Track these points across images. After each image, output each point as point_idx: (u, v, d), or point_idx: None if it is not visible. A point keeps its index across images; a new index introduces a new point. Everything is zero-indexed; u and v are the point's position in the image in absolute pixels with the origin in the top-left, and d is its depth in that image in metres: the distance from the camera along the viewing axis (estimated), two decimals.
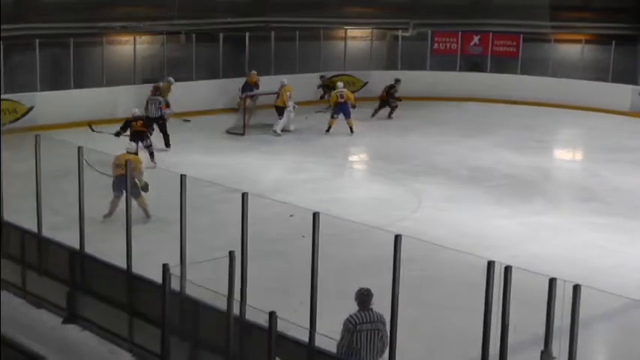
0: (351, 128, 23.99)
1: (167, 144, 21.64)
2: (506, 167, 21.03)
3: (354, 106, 24.41)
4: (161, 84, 23.97)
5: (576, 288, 7.81)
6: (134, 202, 13.96)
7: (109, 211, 15.39)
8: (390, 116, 26.95)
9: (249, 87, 25.61)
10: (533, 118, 27.24)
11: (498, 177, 20.18)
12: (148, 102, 22.14)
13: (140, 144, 19.27)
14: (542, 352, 8.31)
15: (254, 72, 26.28)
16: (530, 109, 28.63)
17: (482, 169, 20.89)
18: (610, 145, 23.61)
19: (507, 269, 8.20)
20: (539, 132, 25.54)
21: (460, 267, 11.97)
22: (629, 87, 28.94)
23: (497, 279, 8.18)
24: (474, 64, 31.84)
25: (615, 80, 29.24)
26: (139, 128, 19.70)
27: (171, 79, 25.09)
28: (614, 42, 29.53)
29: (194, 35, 28.04)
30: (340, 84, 25.50)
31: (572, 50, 31.37)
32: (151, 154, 19.64)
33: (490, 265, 8.20)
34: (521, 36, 31.19)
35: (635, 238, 15.70)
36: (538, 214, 17.27)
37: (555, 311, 8.08)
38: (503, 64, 31.26)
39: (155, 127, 21.22)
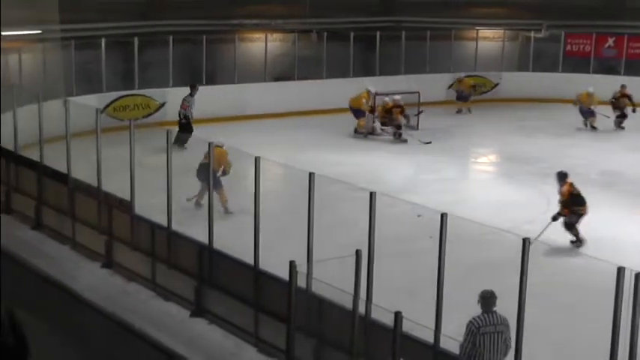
0: None
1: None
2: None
3: None
4: None
5: None
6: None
7: (195, 197, 15.85)
8: (620, 125, 25.88)
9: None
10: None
11: (630, 181, 19.73)
12: None
13: None
14: None
15: None
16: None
17: (613, 172, 20.44)
18: None
19: (638, 276, 8.03)
20: None
21: (591, 272, 11.76)
22: None
23: (628, 285, 8.02)
24: (608, 67, 31.10)
25: None
26: None
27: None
28: None
29: (325, 34, 28.22)
30: None
31: None
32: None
33: (620, 271, 8.05)
34: None
35: None
36: None
37: None
38: (639, 67, 30.44)
39: None
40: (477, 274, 12.30)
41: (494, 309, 8.59)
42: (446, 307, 9.23)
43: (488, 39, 31.73)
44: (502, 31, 31.53)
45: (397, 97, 23.69)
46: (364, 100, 24.02)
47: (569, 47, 31.39)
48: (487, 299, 8.60)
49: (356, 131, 24.22)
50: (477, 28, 31.29)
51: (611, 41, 31.16)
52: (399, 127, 23.33)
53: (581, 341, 10.84)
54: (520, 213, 16.65)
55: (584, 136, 24.72)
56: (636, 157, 22.11)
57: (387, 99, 23.66)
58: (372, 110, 23.94)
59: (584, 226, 15.37)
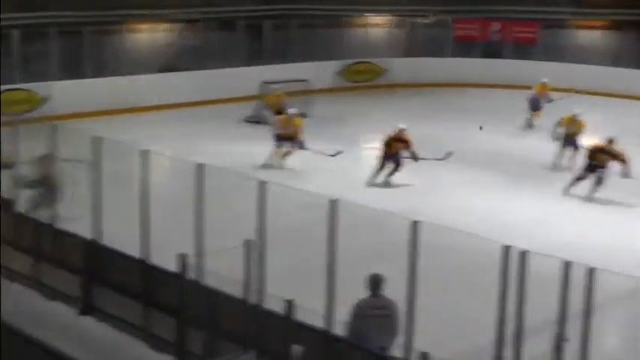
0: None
1: None
2: (528, 153, 20.98)
3: None
4: None
5: (591, 271, 7.80)
6: None
7: None
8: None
9: None
10: (557, 105, 27.08)
11: (515, 162, 20.17)
12: None
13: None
14: (556, 335, 8.30)
15: None
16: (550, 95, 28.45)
17: (502, 154, 20.82)
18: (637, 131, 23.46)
19: (523, 254, 8.18)
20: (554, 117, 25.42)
21: (480, 252, 11.90)
22: None
23: (517, 264, 8.18)
24: (493, 51, 31.72)
25: (634, 66, 29.20)
26: None
27: None
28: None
29: (212, 23, 28.01)
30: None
31: (591, 36, 31.22)
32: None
33: (506, 249, 8.17)
34: (541, 23, 31.12)
35: None
36: (556, 198, 17.24)
37: (571, 295, 8.06)
38: (523, 50, 31.15)
39: None
40: (370, 259, 12.37)
41: (382, 292, 8.60)
42: (341, 294, 9.22)
43: (378, 26, 31.98)
44: (390, 17, 31.83)
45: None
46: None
47: (457, 32, 31.88)
48: (373, 282, 8.61)
49: (247, 119, 24.13)
50: (366, 15, 31.52)
51: (496, 26, 31.74)
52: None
53: (471, 320, 10.99)
54: (413, 198, 16.86)
55: (474, 119, 25.06)
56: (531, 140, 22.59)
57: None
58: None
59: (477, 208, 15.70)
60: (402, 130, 18.15)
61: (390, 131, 18.16)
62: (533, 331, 8.80)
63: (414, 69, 30.29)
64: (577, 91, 27.23)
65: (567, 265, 8.03)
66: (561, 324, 8.31)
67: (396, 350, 8.53)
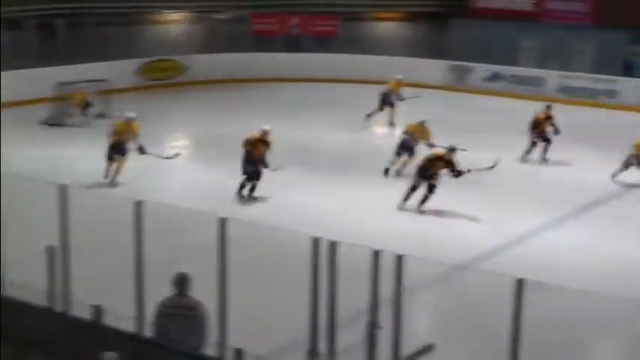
0: None
1: None
2: (333, 145, 21.26)
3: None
4: None
5: (400, 258, 7.92)
6: None
7: None
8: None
9: None
10: (356, 97, 27.60)
11: (325, 156, 20.40)
12: None
13: None
14: (368, 323, 8.41)
15: None
16: (351, 87, 29.00)
17: (310, 149, 21.00)
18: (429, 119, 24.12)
19: (333, 244, 8.23)
20: (361, 110, 25.90)
21: (291, 246, 11.92)
22: (442, 62, 30.01)
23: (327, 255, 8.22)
24: (293, 45, 32.00)
25: (429, 56, 30.19)
26: None
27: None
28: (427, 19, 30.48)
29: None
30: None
31: (388, 28, 32.04)
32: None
33: (316, 241, 8.20)
34: (340, 15, 31.67)
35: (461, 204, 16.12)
36: (356, 187, 17.50)
37: (380, 282, 8.18)
38: (323, 43, 31.59)
39: None
40: (182, 259, 12.17)
41: (188, 292, 8.42)
42: (151, 296, 9.00)
43: (176, 22, 31.64)
44: (188, 14, 31.56)
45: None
46: None
47: (255, 27, 31.95)
48: (179, 281, 8.42)
49: (46, 122, 23.37)
50: (164, 11, 31.13)
51: (295, 20, 32.02)
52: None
53: (285, 314, 10.99)
54: (221, 194, 16.72)
55: (282, 113, 25.18)
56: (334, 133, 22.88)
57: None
58: None
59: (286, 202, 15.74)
60: (266, 132, 16.83)
61: (254, 131, 16.95)
62: (347, 321, 8.89)
63: (214, 65, 30.15)
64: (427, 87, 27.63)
65: (376, 254, 8.13)
66: (373, 312, 8.42)
67: (210, 349, 8.41)
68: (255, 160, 16.47)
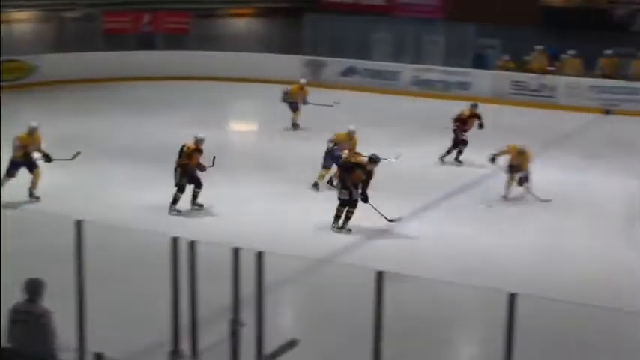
0: None
1: None
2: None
3: None
4: None
5: (260, 255, 7.89)
6: None
7: None
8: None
9: None
10: (211, 94, 27.43)
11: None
12: None
13: None
14: (230, 321, 8.35)
15: None
16: (205, 84, 28.80)
17: (165, 148, 20.66)
18: (287, 114, 24.20)
19: (192, 244, 8.13)
20: (218, 107, 25.81)
21: (150, 247, 11.74)
22: (297, 57, 30.16)
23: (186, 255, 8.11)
24: (146, 43, 31.56)
25: (283, 52, 30.31)
26: None
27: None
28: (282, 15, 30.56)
29: None
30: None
31: (242, 24, 31.97)
32: None
33: (175, 241, 8.09)
34: (192, 13, 31.42)
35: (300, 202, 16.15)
36: (218, 186, 17.32)
37: (241, 280, 8.13)
38: (176, 41, 31.29)
39: None
40: (42, 263, 11.79)
41: (40, 297, 8.13)
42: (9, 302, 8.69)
43: (23, 21, 30.72)
44: (36, 12, 30.70)
45: None
46: None
47: (106, 26, 31.35)
48: (30, 287, 8.12)
49: None
50: (9, 10, 30.17)
51: (147, 18, 31.59)
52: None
53: (146, 316, 10.80)
54: (78, 198, 16.29)
55: (137, 111, 24.77)
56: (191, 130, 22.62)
57: None
58: None
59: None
60: (200, 141, 15.82)
61: (187, 141, 15.93)
62: (210, 320, 8.81)
63: (65, 65, 29.36)
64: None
65: (236, 252, 8.07)
66: (235, 310, 8.35)
67: (69, 354, 8.18)
68: (191, 170, 15.63)
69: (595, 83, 26.95)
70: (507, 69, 28.35)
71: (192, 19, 31.72)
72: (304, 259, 11.84)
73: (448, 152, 19.49)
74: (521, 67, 28.20)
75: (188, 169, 15.50)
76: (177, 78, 29.25)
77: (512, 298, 7.34)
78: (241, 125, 25.44)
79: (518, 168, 16.57)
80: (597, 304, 10.44)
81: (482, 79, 28.31)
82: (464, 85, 28.38)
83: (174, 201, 15.49)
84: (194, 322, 8.46)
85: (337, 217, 14.66)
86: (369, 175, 14.56)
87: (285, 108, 22.83)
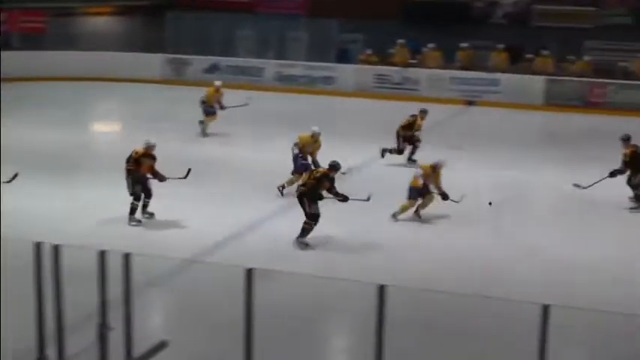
0: None
1: None
2: (52, 145, 20.49)
3: None
4: None
5: (127, 257, 7.75)
6: None
7: None
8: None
9: None
10: (72, 94, 26.84)
11: (45, 157, 19.55)
12: None
13: None
14: (98, 325, 8.18)
15: None
16: (65, 84, 28.16)
17: (28, 150, 20.08)
18: (150, 113, 23.91)
19: (56, 248, 7.92)
20: (80, 107, 25.26)
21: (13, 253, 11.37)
22: (159, 56, 29.93)
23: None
24: (1, 42, 30.60)
25: (145, 50, 29.92)
26: None
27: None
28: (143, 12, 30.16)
29: None
30: None
31: (102, 23, 31.38)
32: None
33: (38, 246, 7.85)
34: (49, 11, 30.67)
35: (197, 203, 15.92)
36: (88, 188, 16.95)
37: (108, 282, 7.96)
38: (34, 40, 30.48)
39: None
40: None
41: None
42: None
43: None
44: None
45: None
46: None
47: None
48: None
49: None
50: None
51: (3, 16, 30.66)
52: None
53: (7, 325, 10.47)
54: None
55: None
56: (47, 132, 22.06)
57: None
58: None
59: None
60: (151, 146, 14.87)
61: (137, 146, 14.98)
62: (77, 325, 8.59)
63: None
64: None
65: (102, 254, 7.89)
66: (102, 313, 8.17)
67: None
68: (142, 177, 14.81)
69: (456, 75, 27.55)
70: (370, 63, 28.69)
71: (48, 17, 30.91)
72: (173, 260, 11.68)
73: (412, 153, 19.25)
74: (384, 60, 28.59)
75: (137, 175, 14.68)
76: (34, 78, 28.47)
77: (381, 289, 7.40)
78: (102, 125, 24.93)
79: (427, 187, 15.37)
80: (461, 291, 10.68)
81: (346, 73, 28.58)
82: (328, 80, 28.59)
83: (132, 210, 14.72)
84: (60, 327, 8.22)
85: (308, 231, 13.90)
86: (332, 181, 14.02)
87: (150, 107, 22.48)
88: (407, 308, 10.06)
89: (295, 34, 30.87)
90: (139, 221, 14.72)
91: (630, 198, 16.31)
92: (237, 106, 21.55)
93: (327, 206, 14.05)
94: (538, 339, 7.55)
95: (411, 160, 19.07)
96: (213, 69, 29.67)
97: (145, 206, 14.89)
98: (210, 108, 21.64)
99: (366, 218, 15.01)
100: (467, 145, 20.77)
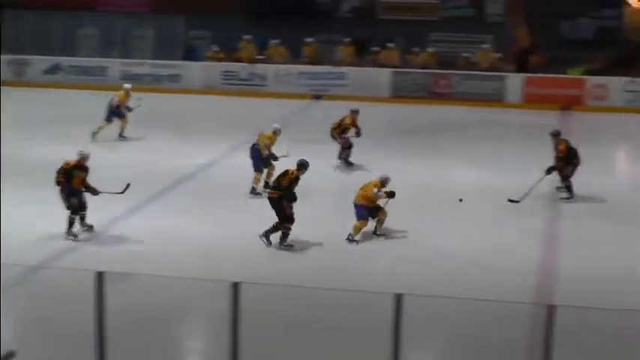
0: None
1: None
2: None
3: None
4: None
5: None
6: None
7: None
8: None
9: None
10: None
11: None
12: None
13: None
14: None
15: None
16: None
17: None
18: None
19: None
20: None
21: None
22: None
23: None
24: None
25: None
26: None
27: None
28: None
29: None
30: None
31: None
32: None
33: None
34: None
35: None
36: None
37: None
38: None
39: None
40: None
41: None
42: None
43: None
44: None
45: None
46: None
47: None
48: None
49: None
50: None
51: None
52: None
53: None
54: None
55: None
56: None
57: None
58: None
59: None
60: (84, 157, 14.07)
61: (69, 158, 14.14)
62: None
63: None
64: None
65: None
66: None
67: None
68: (76, 190, 13.94)
69: (303, 70, 27.61)
70: (217, 60, 28.44)
71: None
72: (19, 267, 11.21)
73: (340, 157, 18.81)
74: (231, 57, 28.39)
75: (68, 187, 13.81)
76: None
77: (235, 287, 7.28)
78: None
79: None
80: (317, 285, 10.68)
81: (193, 71, 28.25)
82: (174, 78, 28.18)
83: (70, 224, 13.87)
84: None
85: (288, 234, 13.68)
86: (297, 180, 13.79)
87: None
88: (263, 305, 9.98)
89: (140, 31, 30.38)
90: (76, 235, 13.95)
91: (558, 188, 16.61)
92: (132, 108, 21.10)
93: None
94: (392, 329, 7.58)
95: (344, 162, 18.80)
96: (54, 69, 28.82)
97: (82, 219, 14.12)
98: (120, 111, 21.08)
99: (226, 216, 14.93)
100: (314, 138, 20.84)
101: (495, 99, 26.30)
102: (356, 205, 14.17)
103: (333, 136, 18.81)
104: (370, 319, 10.02)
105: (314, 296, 10.68)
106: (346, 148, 18.73)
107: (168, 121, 22.70)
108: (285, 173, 13.87)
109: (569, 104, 25.62)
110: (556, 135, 16.74)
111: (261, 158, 16.58)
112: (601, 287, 12.02)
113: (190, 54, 29.51)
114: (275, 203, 13.62)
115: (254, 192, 16.39)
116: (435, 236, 14.25)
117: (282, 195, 13.57)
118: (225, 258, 13.06)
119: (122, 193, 14.30)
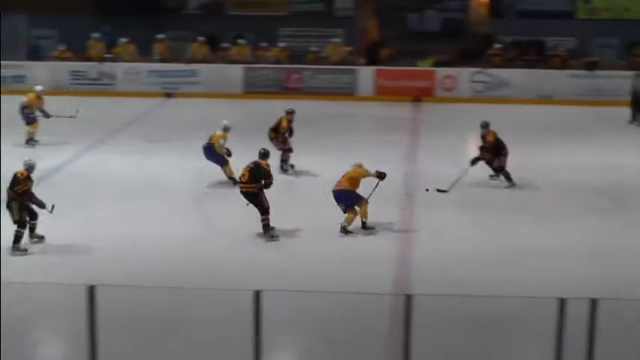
0: None
1: None
2: None
3: None
4: None
5: None
6: None
7: None
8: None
9: None
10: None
11: None
12: None
13: None
14: None
15: None
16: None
17: None
18: None
19: None
20: None
21: None
22: None
23: None
24: None
25: None
26: None
27: None
28: None
29: None
30: None
31: None
32: None
33: None
34: None
35: None
36: None
37: None
38: None
39: None
40: None
41: None
42: None
43: None
44: None
45: None
46: None
47: None
48: None
49: None
50: None
51: None
52: None
53: None
54: None
55: None
56: None
57: None
58: None
59: None
60: (32, 167, 13.60)
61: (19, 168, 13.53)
62: None
63: None
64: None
65: None
66: None
67: None
68: (27, 201, 13.35)
69: (154, 68, 27.23)
70: (65, 59, 27.73)
71: None
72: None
73: (283, 160, 18.29)
74: (80, 56, 27.74)
75: (25, 198, 13.28)
76: None
77: (91, 290, 7.11)
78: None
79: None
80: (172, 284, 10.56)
81: (38, 70, 27.34)
82: (19, 79, 27.20)
83: (17, 239, 13.23)
84: None
85: (267, 226, 14.03)
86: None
87: None
88: (119, 307, 9.81)
89: None
90: (25, 250, 13.35)
91: (491, 176, 17.16)
92: (65, 117, 20.45)
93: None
94: (252, 323, 7.53)
95: (286, 166, 18.36)
96: None
97: (32, 229, 13.63)
98: (30, 115, 20.33)
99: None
100: (165, 137, 20.61)
101: (348, 92, 26.59)
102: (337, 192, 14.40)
103: (271, 139, 18.31)
104: (227, 316, 9.99)
105: (170, 296, 10.57)
106: (287, 151, 18.34)
107: (12, 124, 21.85)
108: (257, 166, 14.12)
109: (420, 95, 26.12)
110: (485, 127, 17.16)
111: (217, 155, 16.96)
112: (457, 275, 12.30)
113: (35, 53, 28.71)
114: (253, 197, 13.91)
115: (235, 182, 16.01)
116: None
117: (261, 187, 13.90)
118: (80, 261, 12.73)
119: (51, 212, 13.63)
